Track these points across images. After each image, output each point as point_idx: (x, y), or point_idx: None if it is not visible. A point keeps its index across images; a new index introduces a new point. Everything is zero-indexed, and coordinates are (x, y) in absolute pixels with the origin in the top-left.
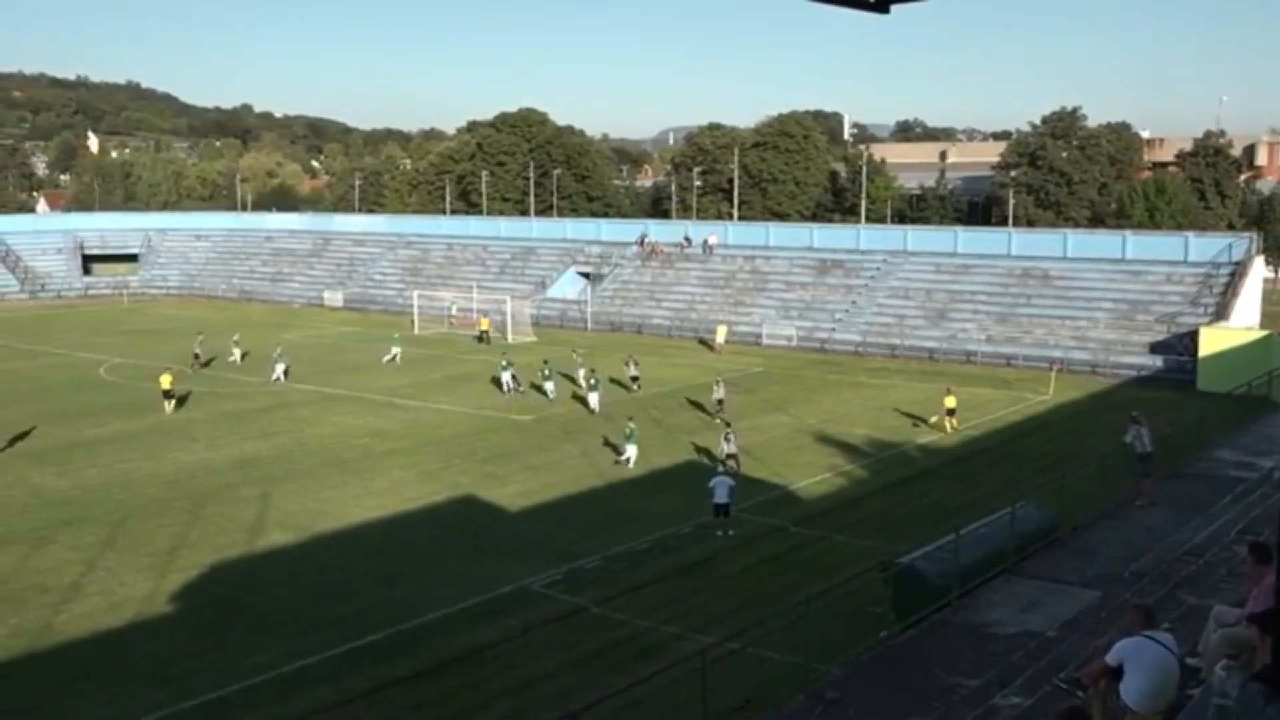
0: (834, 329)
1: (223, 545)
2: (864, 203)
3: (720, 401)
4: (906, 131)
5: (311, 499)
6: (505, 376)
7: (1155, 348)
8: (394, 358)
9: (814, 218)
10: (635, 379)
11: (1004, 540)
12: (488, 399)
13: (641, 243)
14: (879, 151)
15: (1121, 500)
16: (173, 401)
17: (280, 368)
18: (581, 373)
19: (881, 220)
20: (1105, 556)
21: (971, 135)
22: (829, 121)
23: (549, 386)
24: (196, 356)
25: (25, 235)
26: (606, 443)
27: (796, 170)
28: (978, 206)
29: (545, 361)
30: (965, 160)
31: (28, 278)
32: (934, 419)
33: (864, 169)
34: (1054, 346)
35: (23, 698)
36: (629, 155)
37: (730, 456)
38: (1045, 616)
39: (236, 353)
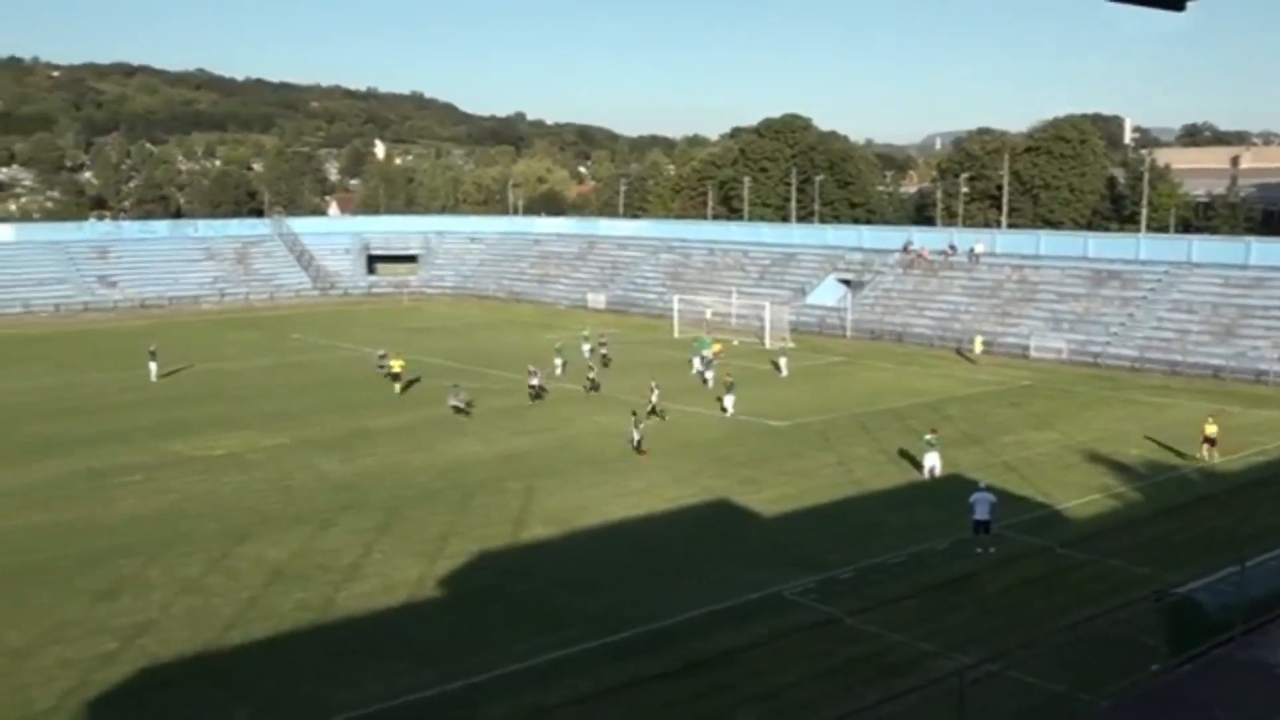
0: (1108, 343)
1: (488, 536)
2: (1145, 211)
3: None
4: (1194, 135)
5: (572, 495)
6: (697, 361)
7: None
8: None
9: (1089, 226)
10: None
11: None
12: (744, 404)
13: (905, 250)
14: (1163, 157)
15: None
16: (400, 384)
17: (561, 362)
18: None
19: (1164, 229)
20: None
21: (1268, 139)
22: (1108, 125)
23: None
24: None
25: (318, 236)
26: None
27: (1071, 176)
28: (1274, 215)
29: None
30: (1261, 166)
31: (319, 276)
32: (1204, 452)
33: (1145, 175)
34: None
35: (307, 667)
36: (893, 161)
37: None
38: None
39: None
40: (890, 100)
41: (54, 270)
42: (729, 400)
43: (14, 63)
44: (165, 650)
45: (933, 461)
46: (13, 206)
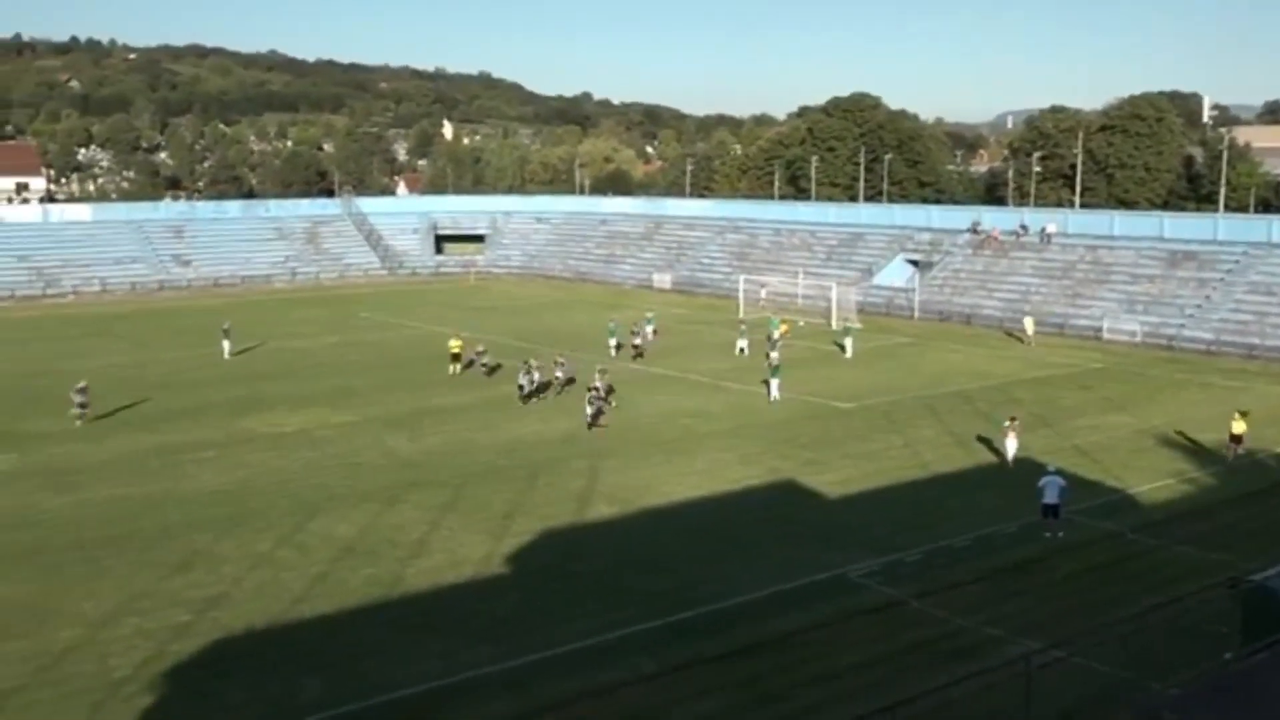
0: (1184, 325)
1: (552, 514)
2: (1223, 190)
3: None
4: (1276, 113)
5: (635, 475)
6: (742, 343)
7: None
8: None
9: (1165, 206)
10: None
11: None
12: (809, 385)
13: (975, 230)
14: (1243, 135)
15: None
16: (458, 365)
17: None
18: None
19: (1243, 209)
20: None
21: None
22: (1186, 103)
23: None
24: (636, 346)
25: (386, 216)
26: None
27: (1147, 155)
28: None
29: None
30: None
31: (387, 255)
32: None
33: (1224, 154)
34: None
35: (371, 641)
36: (964, 140)
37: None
38: None
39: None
40: (961, 78)
41: (130, 249)
42: (774, 384)
43: (93, 45)
44: (237, 623)
45: (1012, 446)
46: (91, 187)
